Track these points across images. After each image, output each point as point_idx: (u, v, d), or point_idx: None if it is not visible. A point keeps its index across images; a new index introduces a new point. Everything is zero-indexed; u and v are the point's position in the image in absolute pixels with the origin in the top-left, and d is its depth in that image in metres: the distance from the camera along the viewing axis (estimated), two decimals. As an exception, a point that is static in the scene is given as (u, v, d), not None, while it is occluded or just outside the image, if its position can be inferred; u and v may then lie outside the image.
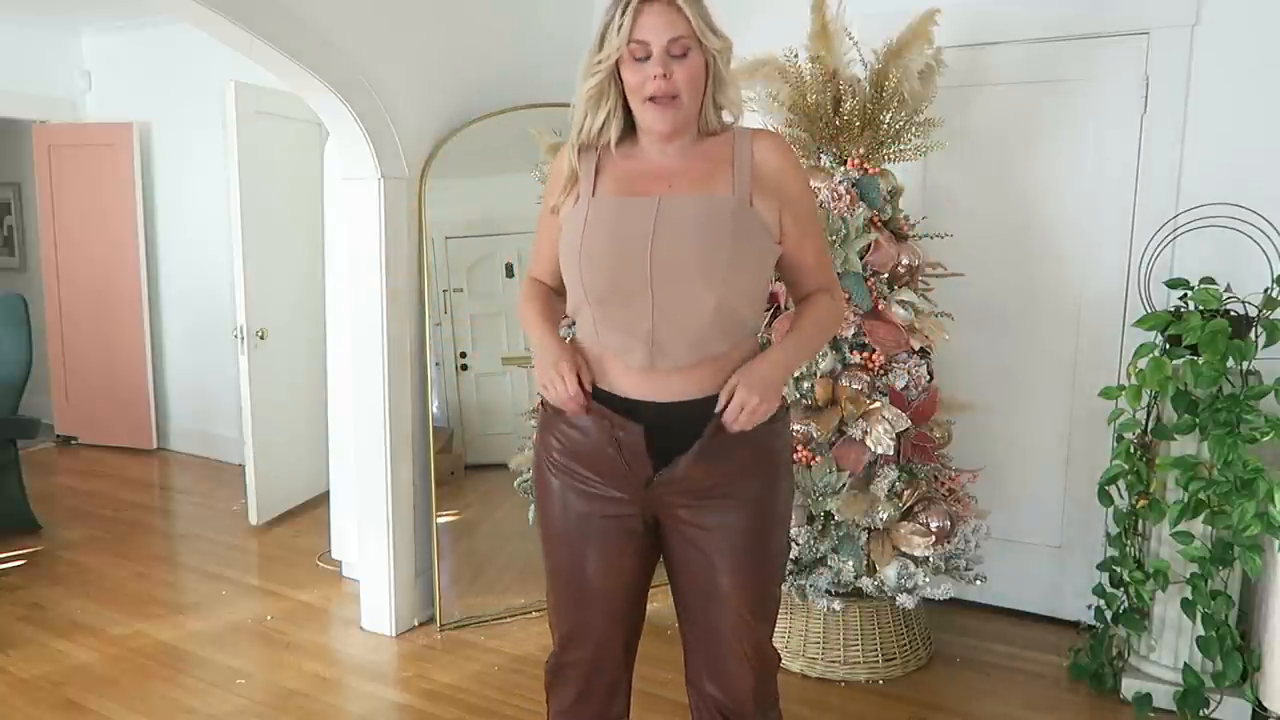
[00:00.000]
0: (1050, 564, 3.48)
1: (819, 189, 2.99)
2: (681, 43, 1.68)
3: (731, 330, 1.73)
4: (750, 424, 1.70)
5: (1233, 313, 2.73)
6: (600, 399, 1.76)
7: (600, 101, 1.75)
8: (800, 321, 1.84)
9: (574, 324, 1.86)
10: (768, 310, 2.93)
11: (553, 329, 1.85)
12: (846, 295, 2.94)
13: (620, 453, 1.75)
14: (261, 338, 4.49)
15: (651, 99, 1.69)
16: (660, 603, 2.04)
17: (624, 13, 1.65)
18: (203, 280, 5.67)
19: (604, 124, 1.75)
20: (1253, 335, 2.67)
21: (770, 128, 3.09)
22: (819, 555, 2.95)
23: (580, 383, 1.74)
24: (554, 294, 1.93)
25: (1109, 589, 3.02)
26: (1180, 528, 2.68)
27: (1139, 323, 2.85)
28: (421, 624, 3.48)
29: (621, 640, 1.92)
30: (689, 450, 1.72)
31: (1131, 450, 2.85)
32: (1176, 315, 2.76)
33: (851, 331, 2.95)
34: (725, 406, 1.69)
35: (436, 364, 3.49)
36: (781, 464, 1.86)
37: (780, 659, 1.95)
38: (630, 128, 1.79)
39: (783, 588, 1.99)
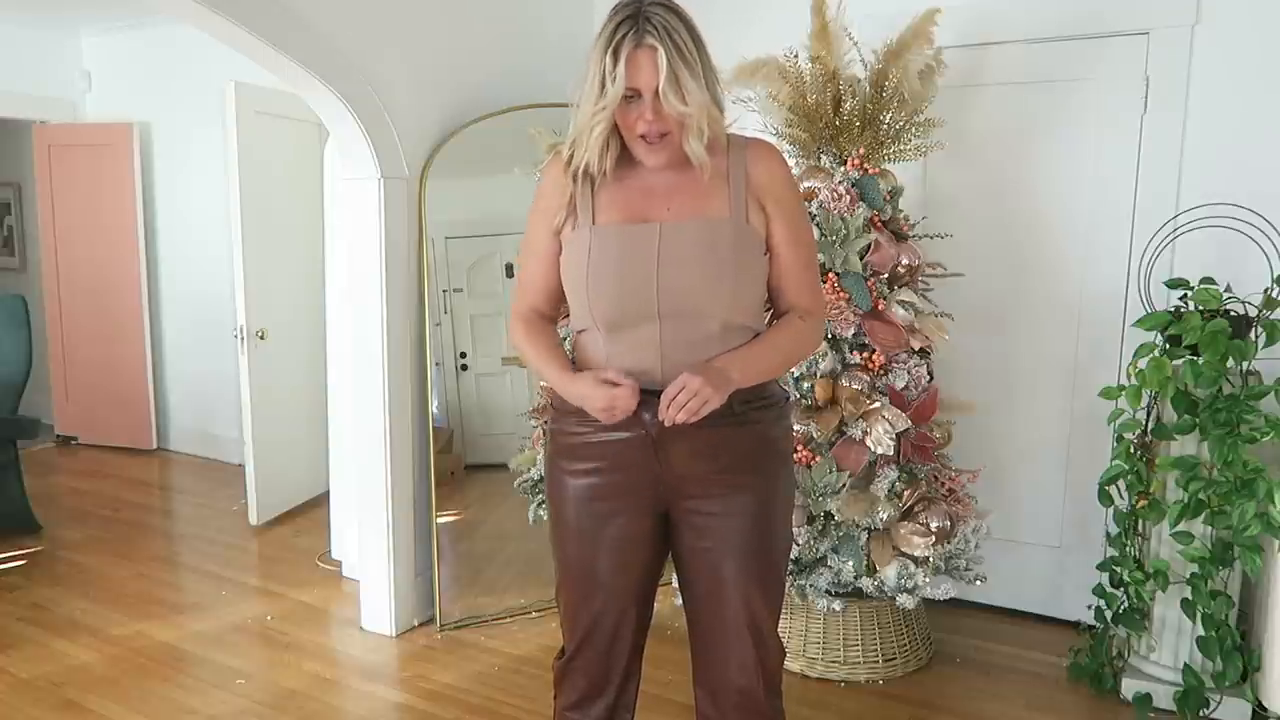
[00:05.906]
0: (1050, 564, 3.48)
1: (819, 189, 2.99)
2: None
3: (735, 340, 1.80)
4: (685, 417, 1.66)
5: (1233, 313, 2.73)
6: None
7: (605, 145, 1.75)
8: (755, 342, 1.81)
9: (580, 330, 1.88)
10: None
11: (568, 367, 1.83)
12: (845, 294, 2.94)
13: (638, 420, 1.75)
14: (261, 338, 4.49)
15: (643, 136, 1.72)
16: (661, 604, 2.04)
17: (616, 61, 1.64)
18: (203, 280, 5.67)
19: (601, 155, 1.76)
20: (1253, 335, 2.67)
21: (767, 128, 3.10)
22: (819, 555, 2.95)
23: (617, 382, 1.73)
24: (552, 326, 1.94)
25: (1109, 589, 3.02)
26: (1180, 528, 2.68)
27: (1139, 323, 2.85)
28: (421, 624, 3.48)
29: (633, 628, 1.95)
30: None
31: (1131, 450, 2.84)
32: (1176, 315, 2.76)
33: (851, 331, 2.95)
34: (674, 396, 1.66)
35: (436, 364, 3.49)
36: (782, 452, 1.92)
37: (785, 651, 1.98)
38: (625, 145, 1.79)
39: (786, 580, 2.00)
